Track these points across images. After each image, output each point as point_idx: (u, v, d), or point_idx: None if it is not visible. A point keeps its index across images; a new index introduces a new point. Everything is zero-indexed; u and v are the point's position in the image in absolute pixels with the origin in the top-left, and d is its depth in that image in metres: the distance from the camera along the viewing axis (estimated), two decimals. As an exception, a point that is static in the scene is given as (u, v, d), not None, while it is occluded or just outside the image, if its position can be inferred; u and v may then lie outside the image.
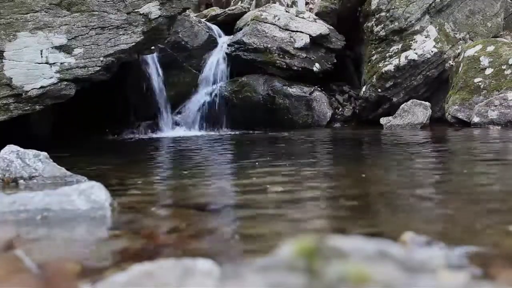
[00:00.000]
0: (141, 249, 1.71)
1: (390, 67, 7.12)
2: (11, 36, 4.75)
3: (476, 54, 6.68)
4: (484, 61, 6.59)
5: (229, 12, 8.31)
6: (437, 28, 7.24)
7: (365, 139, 5.92)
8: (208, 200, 2.68)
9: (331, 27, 7.87)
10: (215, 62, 7.54)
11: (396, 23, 7.19)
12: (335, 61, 7.75)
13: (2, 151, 3.02)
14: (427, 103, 6.82)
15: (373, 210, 2.27)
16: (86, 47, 4.91)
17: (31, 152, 3.01)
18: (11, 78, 4.72)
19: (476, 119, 6.24)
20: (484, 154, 4.21)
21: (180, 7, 5.32)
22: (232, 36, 7.76)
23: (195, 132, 7.12)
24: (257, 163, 3.83)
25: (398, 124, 6.71)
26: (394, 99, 7.17)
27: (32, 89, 4.75)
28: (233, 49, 7.54)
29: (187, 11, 6.97)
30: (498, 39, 7.17)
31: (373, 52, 7.36)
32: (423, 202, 2.41)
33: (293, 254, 0.91)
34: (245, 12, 8.21)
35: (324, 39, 7.70)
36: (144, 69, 7.08)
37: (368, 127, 6.87)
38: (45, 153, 3.03)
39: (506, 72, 6.46)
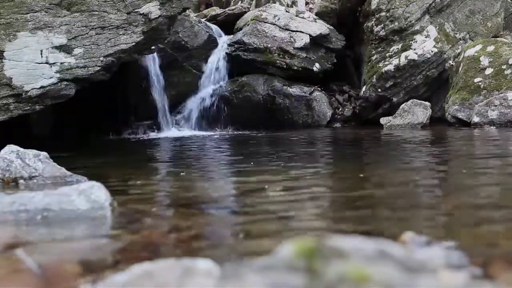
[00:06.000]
0: (141, 249, 1.71)
1: (390, 67, 7.12)
2: (11, 36, 4.75)
3: (476, 54, 6.68)
4: (484, 61, 6.59)
5: (229, 12, 8.31)
6: (437, 28, 7.24)
7: (365, 139, 5.92)
8: (208, 200, 2.68)
9: (331, 27, 7.87)
10: (215, 62, 7.53)
11: (396, 23, 7.19)
12: (335, 61, 7.74)
13: (2, 151, 3.02)
14: (427, 103, 6.82)
15: (373, 210, 2.26)
16: (86, 47, 4.91)
17: (31, 152, 3.01)
18: (11, 78, 4.72)
19: (476, 119, 6.24)
20: (485, 153, 4.20)
21: (180, 7, 5.32)
22: (232, 36, 7.76)
23: (195, 132, 7.11)
24: (274, 163, 3.83)
25: (398, 124, 6.71)
26: (394, 99, 7.17)
27: (32, 89, 4.75)
28: (233, 49, 7.54)
29: (187, 11, 6.97)
30: (498, 39, 7.17)
31: (373, 52, 7.35)
32: (423, 202, 2.41)
33: (293, 254, 0.91)
34: (245, 12, 8.21)
35: (324, 39, 7.69)
36: (144, 69, 7.07)
37: (368, 127, 6.87)
38: (45, 153, 3.03)
39: (506, 72, 6.46)
